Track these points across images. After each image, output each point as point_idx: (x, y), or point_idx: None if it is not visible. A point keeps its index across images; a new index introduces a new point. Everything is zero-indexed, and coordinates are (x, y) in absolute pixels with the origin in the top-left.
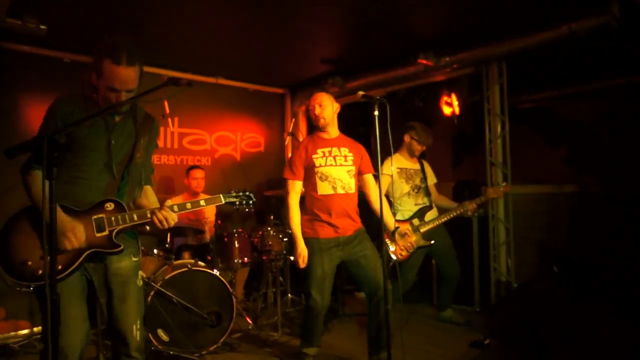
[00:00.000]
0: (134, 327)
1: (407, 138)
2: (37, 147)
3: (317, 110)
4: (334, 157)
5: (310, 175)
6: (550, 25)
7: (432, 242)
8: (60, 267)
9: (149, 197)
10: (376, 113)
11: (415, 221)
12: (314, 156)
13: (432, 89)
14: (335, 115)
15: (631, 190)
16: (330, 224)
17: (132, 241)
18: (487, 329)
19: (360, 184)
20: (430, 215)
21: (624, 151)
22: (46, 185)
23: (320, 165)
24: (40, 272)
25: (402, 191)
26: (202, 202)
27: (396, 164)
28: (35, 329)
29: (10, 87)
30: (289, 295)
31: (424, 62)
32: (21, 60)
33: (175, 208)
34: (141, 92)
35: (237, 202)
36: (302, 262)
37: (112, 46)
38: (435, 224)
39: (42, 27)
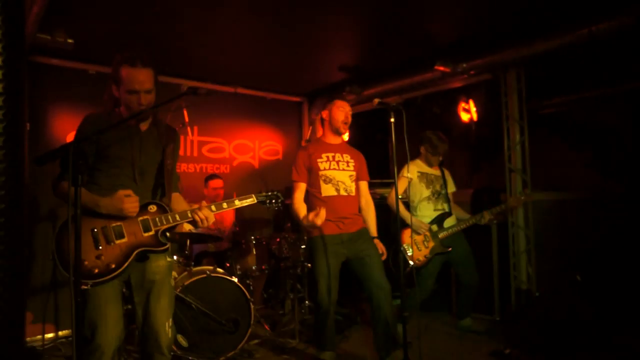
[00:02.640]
0: (167, 324)
1: (422, 150)
2: (64, 155)
3: (349, 120)
4: (337, 162)
5: (314, 178)
6: (569, 28)
7: (450, 249)
8: (113, 265)
9: (180, 202)
10: (392, 120)
11: (434, 227)
12: (318, 160)
13: (449, 96)
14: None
15: None
16: (333, 221)
17: (165, 243)
18: (508, 339)
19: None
20: (449, 222)
21: None
22: (71, 191)
23: (325, 169)
24: (97, 270)
25: (422, 195)
26: (236, 202)
27: (417, 169)
28: (60, 333)
29: (40, 99)
30: (307, 302)
31: (441, 68)
32: (50, 72)
33: (213, 207)
34: (162, 102)
35: (268, 201)
36: (319, 219)
37: (126, 54)
38: (453, 231)
39: (70, 41)
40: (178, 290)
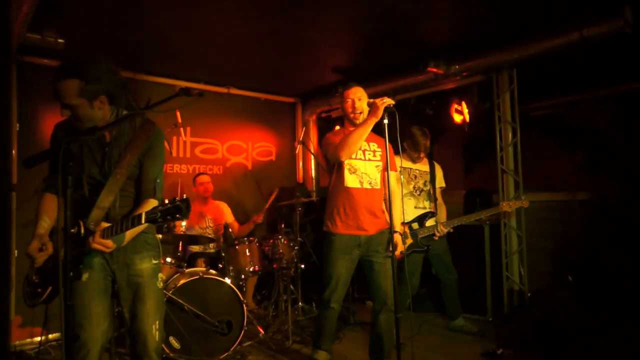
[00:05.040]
0: (153, 327)
1: (405, 145)
2: (53, 156)
3: (357, 104)
4: (363, 151)
5: (338, 167)
6: (561, 31)
7: (428, 247)
8: (39, 290)
9: (137, 213)
10: (386, 121)
11: (415, 225)
12: None
13: (442, 97)
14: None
15: None
16: (353, 221)
17: (153, 245)
18: (500, 339)
19: None
20: (431, 222)
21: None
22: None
23: (351, 157)
24: (29, 292)
25: (403, 191)
26: (124, 224)
27: (399, 164)
28: (50, 336)
29: (30, 99)
30: (300, 303)
31: (434, 70)
32: (40, 72)
33: (107, 232)
34: (154, 102)
35: (160, 218)
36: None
37: (56, 69)
38: (433, 231)
39: (60, 40)
40: (170, 291)
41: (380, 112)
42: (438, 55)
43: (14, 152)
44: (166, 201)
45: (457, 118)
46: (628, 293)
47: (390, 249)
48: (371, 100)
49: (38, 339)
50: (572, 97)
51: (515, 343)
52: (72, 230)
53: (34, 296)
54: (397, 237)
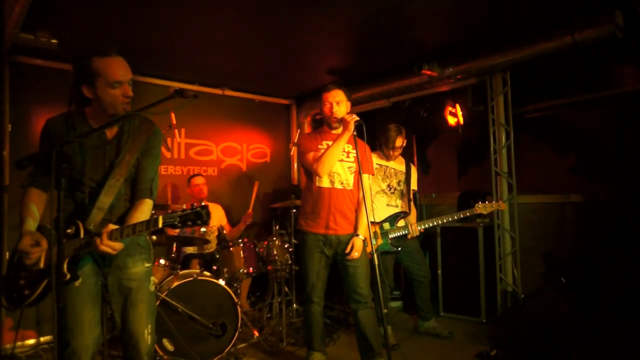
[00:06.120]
0: (145, 331)
1: (380, 141)
2: (46, 158)
3: (335, 109)
4: None
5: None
6: (554, 35)
7: (398, 249)
8: (27, 292)
9: (141, 212)
10: (355, 133)
11: (386, 225)
12: (319, 147)
13: (436, 99)
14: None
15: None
16: (323, 220)
17: (145, 248)
18: (493, 340)
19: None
20: (402, 222)
21: (632, 159)
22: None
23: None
24: (15, 295)
25: (377, 188)
26: (138, 227)
27: (375, 161)
28: (42, 339)
29: (23, 100)
30: (294, 305)
31: (428, 72)
32: (32, 73)
33: (115, 234)
34: (148, 104)
35: (179, 223)
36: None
37: (91, 47)
38: (405, 232)
39: (53, 41)
40: (164, 293)
41: (351, 126)
42: (432, 58)
43: (5, 153)
44: (184, 206)
45: (451, 120)
46: (620, 294)
47: (347, 251)
48: (340, 116)
49: (29, 342)
50: (565, 100)
51: (508, 344)
52: (69, 231)
53: (21, 298)
54: (358, 242)
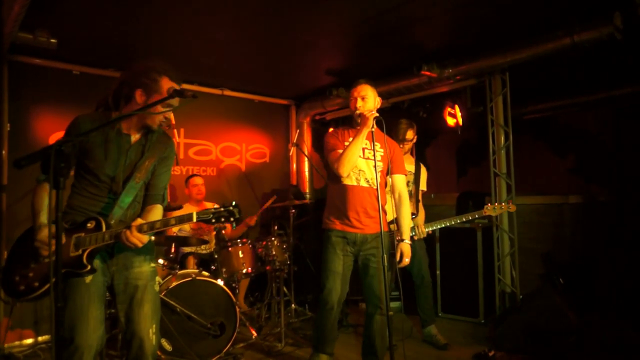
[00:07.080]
0: (150, 330)
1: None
2: (44, 157)
3: (359, 104)
4: (363, 150)
5: None
6: (552, 36)
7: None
8: (36, 284)
9: (149, 216)
10: (373, 129)
11: (393, 226)
12: (345, 143)
13: (435, 100)
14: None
15: (638, 200)
16: (348, 219)
17: (150, 248)
18: (492, 341)
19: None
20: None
21: (630, 160)
22: (53, 195)
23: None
24: (22, 288)
25: (386, 187)
26: (172, 221)
27: None
28: (39, 339)
29: (22, 99)
30: (293, 305)
31: (427, 73)
32: (32, 72)
33: (145, 227)
34: (148, 104)
35: (214, 219)
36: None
37: (166, 66)
38: (412, 234)
39: (53, 40)
40: (163, 293)
41: (370, 122)
42: (431, 59)
43: (4, 152)
44: (216, 205)
45: (451, 121)
46: (618, 294)
47: (397, 259)
48: (359, 112)
49: (27, 341)
50: (564, 101)
51: (507, 345)
52: (89, 225)
53: (28, 290)
54: (406, 247)
